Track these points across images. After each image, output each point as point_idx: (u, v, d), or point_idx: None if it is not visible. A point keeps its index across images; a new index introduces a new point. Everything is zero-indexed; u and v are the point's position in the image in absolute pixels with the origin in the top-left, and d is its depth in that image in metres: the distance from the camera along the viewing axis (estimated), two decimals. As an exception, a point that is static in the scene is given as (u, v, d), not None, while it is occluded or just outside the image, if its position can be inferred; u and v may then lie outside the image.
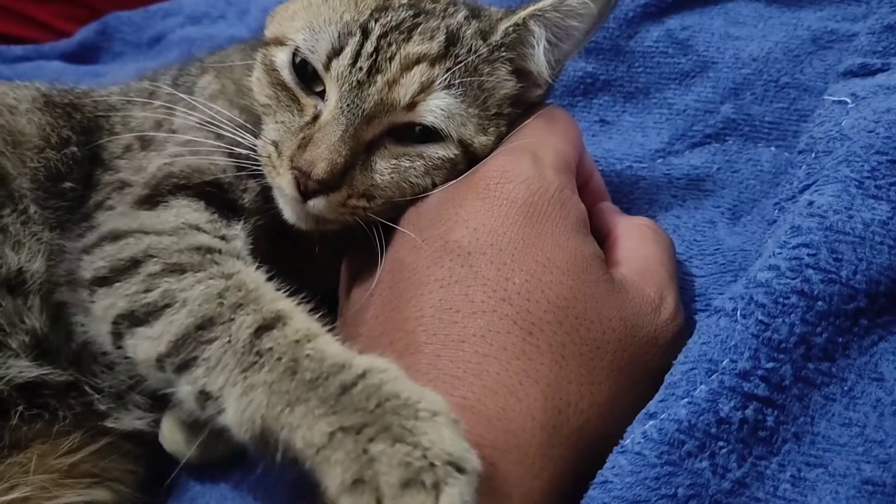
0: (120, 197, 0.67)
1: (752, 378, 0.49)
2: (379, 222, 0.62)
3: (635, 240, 0.65)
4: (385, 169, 0.62)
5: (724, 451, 0.48)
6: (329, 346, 0.51)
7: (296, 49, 0.63)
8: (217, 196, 0.65)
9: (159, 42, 1.25)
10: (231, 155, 0.66)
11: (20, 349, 0.63)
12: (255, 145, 0.64)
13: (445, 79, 0.61)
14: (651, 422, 0.50)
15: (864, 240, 0.52)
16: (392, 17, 0.63)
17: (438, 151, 0.63)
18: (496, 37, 0.65)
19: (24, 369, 0.63)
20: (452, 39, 0.63)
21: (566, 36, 0.65)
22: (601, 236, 0.65)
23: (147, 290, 0.58)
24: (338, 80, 0.60)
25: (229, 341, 0.53)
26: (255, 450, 0.51)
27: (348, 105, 0.60)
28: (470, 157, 0.64)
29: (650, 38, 0.86)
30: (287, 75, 0.64)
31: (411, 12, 0.63)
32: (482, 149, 0.64)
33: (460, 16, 0.66)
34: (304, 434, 0.47)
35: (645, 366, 0.57)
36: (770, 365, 0.50)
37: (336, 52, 0.61)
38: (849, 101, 0.65)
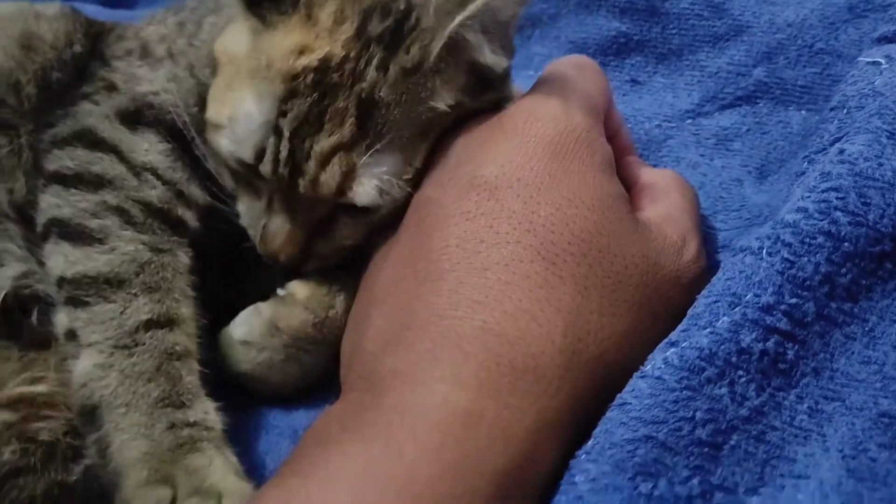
0: (107, 98, 0.68)
1: (774, 312, 0.50)
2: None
3: (659, 188, 0.66)
4: (345, 235, 0.63)
5: (744, 380, 0.49)
6: (186, 373, 0.56)
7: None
8: (183, 143, 0.66)
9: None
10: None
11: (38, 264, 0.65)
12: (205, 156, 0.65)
13: (366, 161, 0.58)
14: (672, 349, 0.51)
15: (892, 186, 0.53)
16: (298, 107, 0.57)
17: (389, 207, 0.62)
18: (429, 63, 0.59)
19: (44, 279, 0.64)
20: (367, 109, 0.57)
21: (502, 23, 0.60)
22: (626, 186, 0.66)
23: (94, 215, 0.60)
24: (269, 183, 0.60)
25: (122, 313, 0.57)
26: (76, 413, 0.56)
27: (286, 202, 0.60)
28: (421, 175, 0.62)
29: (686, 1, 0.86)
30: (234, 164, 0.62)
31: (315, 95, 0.57)
32: (422, 164, 0.63)
33: (372, 68, 0.58)
34: (124, 441, 0.53)
35: (666, 303, 0.58)
36: (793, 301, 0.50)
37: (259, 156, 0.58)
38: (882, 62, 0.66)
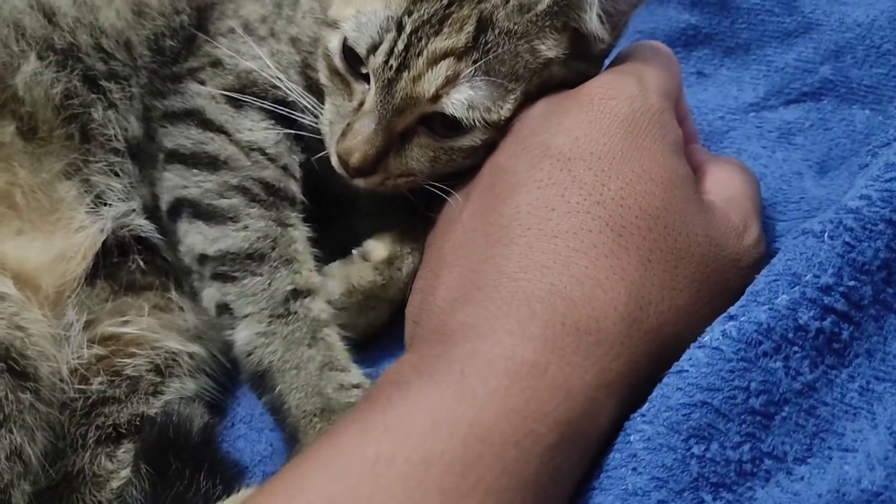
0: (213, 74, 0.73)
1: (833, 293, 0.52)
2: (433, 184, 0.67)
3: (723, 174, 0.67)
4: (419, 156, 0.65)
5: (798, 355, 0.51)
6: (337, 341, 0.63)
7: (345, 36, 0.66)
8: (285, 118, 0.71)
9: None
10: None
11: (140, 208, 0.71)
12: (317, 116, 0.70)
13: (470, 72, 0.61)
14: (731, 322, 0.53)
15: (955, 179, 0.54)
16: (425, 9, 0.61)
17: (465, 142, 0.65)
18: (541, 7, 0.63)
19: (143, 225, 0.70)
20: (483, 26, 0.62)
21: None
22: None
23: (220, 195, 0.66)
24: (374, 76, 0.63)
25: (269, 285, 0.63)
26: (247, 378, 0.63)
27: (381, 100, 0.63)
28: (501, 130, 0.65)
29: (757, -5, 0.88)
30: (338, 62, 0.67)
31: (444, 2, 0.62)
32: (508, 115, 0.65)
33: None
34: (301, 399, 0.59)
35: (725, 283, 0.59)
36: (852, 283, 0.52)
37: (374, 48, 0.62)
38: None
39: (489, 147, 0.65)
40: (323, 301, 0.64)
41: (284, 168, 0.70)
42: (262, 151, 0.70)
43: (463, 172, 0.67)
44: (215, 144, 0.69)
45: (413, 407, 0.47)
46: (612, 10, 0.64)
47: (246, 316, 0.62)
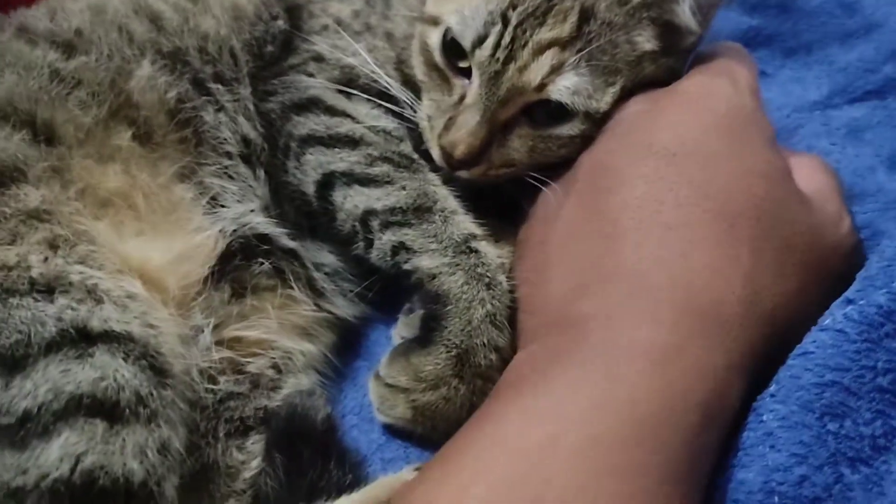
0: (319, 68, 0.76)
1: (946, 274, 0.55)
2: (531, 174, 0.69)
3: (808, 168, 0.69)
4: (520, 146, 0.68)
5: (919, 335, 0.53)
6: (506, 292, 0.65)
7: (446, 30, 0.68)
8: (390, 111, 0.74)
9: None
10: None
11: (258, 208, 0.73)
12: (414, 110, 0.73)
13: (574, 60, 0.64)
14: (850, 306, 0.55)
15: None
16: (529, 2, 0.64)
17: (566, 131, 0.67)
18: None
19: (262, 223, 0.72)
20: (586, 16, 0.65)
21: None
22: None
23: (369, 165, 0.69)
24: (479, 68, 0.66)
25: (445, 229, 0.66)
26: (424, 296, 0.66)
27: (486, 92, 0.65)
28: (598, 121, 0.67)
29: (818, -1, 0.91)
30: (438, 57, 0.70)
31: None
32: (607, 107, 0.67)
33: None
34: (456, 329, 0.63)
35: (828, 269, 0.61)
36: (964, 265, 0.55)
37: (480, 41, 0.65)
38: None
39: (585, 140, 0.68)
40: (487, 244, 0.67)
41: (405, 143, 0.74)
42: (386, 132, 0.73)
43: (558, 164, 0.69)
44: (346, 126, 0.72)
45: (565, 391, 0.49)
46: (704, 1, 0.66)
47: (429, 250, 0.65)
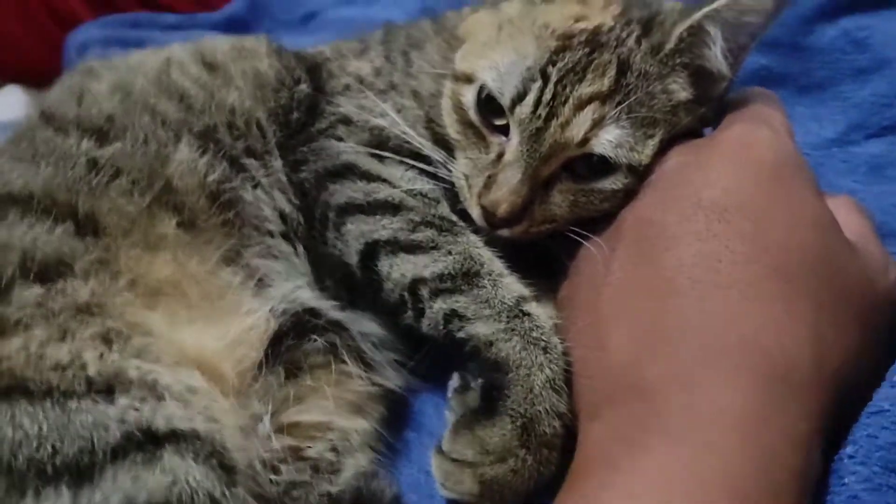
0: (347, 132, 0.76)
1: None
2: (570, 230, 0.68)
3: (845, 210, 0.69)
4: (561, 201, 0.68)
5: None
6: (562, 355, 0.64)
7: (481, 87, 0.68)
8: (424, 172, 0.74)
9: (313, 19, 1.31)
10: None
11: (304, 284, 0.72)
12: (448, 169, 0.72)
13: (615, 113, 0.65)
14: (916, 361, 0.56)
15: None
16: (569, 58, 0.65)
17: (608, 185, 0.67)
18: (670, 45, 0.67)
19: (309, 298, 0.71)
20: (623, 69, 0.65)
21: (742, 31, 0.66)
22: None
23: (412, 231, 0.68)
24: (519, 125, 0.66)
25: (496, 293, 0.65)
26: (481, 364, 0.64)
27: (527, 149, 0.65)
28: (639, 174, 0.68)
29: (827, 37, 0.92)
30: (473, 115, 0.70)
31: (587, 50, 0.66)
32: (648, 160, 0.67)
33: (632, 39, 0.67)
34: (519, 398, 0.61)
35: (882, 317, 0.61)
36: None
37: (520, 98, 0.65)
38: None
39: (628, 194, 0.68)
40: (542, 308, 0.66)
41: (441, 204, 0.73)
42: (423, 194, 0.72)
43: (599, 219, 0.69)
44: (385, 192, 0.71)
45: (662, 465, 0.49)
46: (734, 44, 0.67)
47: (484, 317, 0.64)
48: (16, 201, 0.63)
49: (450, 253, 0.67)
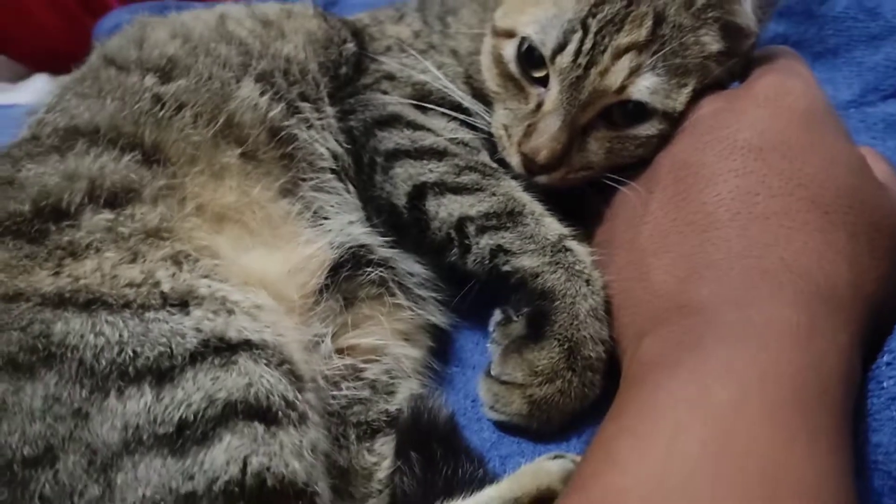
0: (392, 86, 0.80)
1: None
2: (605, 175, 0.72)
3: (871, 156, 0.72)
4: (599, 149, 0.71)
5: None
6: (602, 288, 0.68)
7: (522, 40, 0.72)
8: (464, 123, 0.78)
9: (335, 5, 1.36)
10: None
11: (357, 220, 0.75)
12: (488, 122, 0.76)
13: (651, 62, 0.68)
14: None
15: None
16: (607, 10, 0.68)
17: (644, 131, 0.71)
18: (702, 0, 0.71)
19: (362, 234, 0.74)
20: (659, 20, 0.69)
21: None
22: None
23: (457, 175, 0.72)
24: (559, 74, 0.69)
25: (539, 230, 0.69)
26: (528, 295, 0.68)
27: (567, 97, 0.69)
28: (673, 121, 0.71)
29: (840, 6, 0.97)
30: (514, 68, 0.73)
31: (625, 2, 0.69)
32: (682, 107, 0.71)
33: None
34: (564, 325, 0.65)
35: None
36: None
37: (561, 48, 0.69)
38: None
39: (662, 139, 0.71)
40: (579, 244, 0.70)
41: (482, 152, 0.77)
42: (465, 143, 0.76)
43: (633, 165, 0.72)
44: (430, 139, 0.75)
45: (727, 363, 0.51)
46: (762, 1, 0.71)
47: (528, 251, 0.68)
48: (82, 133, 0.66)
49: (494, 194, 0.71)
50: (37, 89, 1.49)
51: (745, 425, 0.47)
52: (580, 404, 0.66)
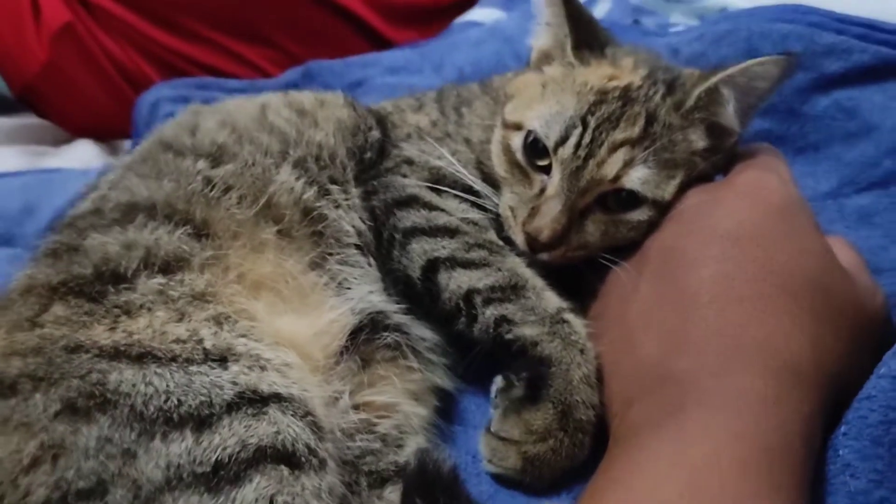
0: (410, 170, 0.89)
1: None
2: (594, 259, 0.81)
3: (839, 246, 0.78)
4: (595, 231, 0.80)
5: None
6: (595, 359, 0.75)
7: (528, 132, 0.82)
8: (475, 204, 0.87)
9: (360, 86, 1.46)
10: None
11: (376, 290, 0.84)
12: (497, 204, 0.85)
13: (643, 156, 0.77)
14: (896, 360, 0.66)
15: None
16: (605, 109, 0.78)
17: (635, 216, 0.79)
18: (690, 102, 0.80)
19: (380, 302, 0.82)
20: (650, 120, 0.78)
21: (752, 94, 0.79)
22: None
23: (467, 251, 0.81)
24: (561, 164, 0.78)
25: (540, 302, 0.77)
26: (527, 361, 0.75)
27: (567, 184, 0.77)
28: (662, 209, 0.79)
29: (820, 105, 1.06)
30: (521, 157, 0.83)
31: (620, 103, 0.78)
32: (670, 197, 0.79)
33: (658, 96, 0.80)
34: (559, 391, 0.72)
35: (870, 335, 0.71)
36: None
37: (563, 140, 0.78)
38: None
39: (651, 225, 0.79)
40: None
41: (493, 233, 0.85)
42: (474, 222, 0.85)
43: (625, 247, 0.80)
44: (444, 219, 0.84)
45: (704, 425, 0.58)
46: (745, 104, 0.80)
47: (528, 322, 0.76)
48: (141, 209, 0.76)
49: (499, 269, 0.79)
50: (79, 154, 1.60)
51: (717, 479, 0.54)
52: (570, 463, 0.72)
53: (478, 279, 0.79)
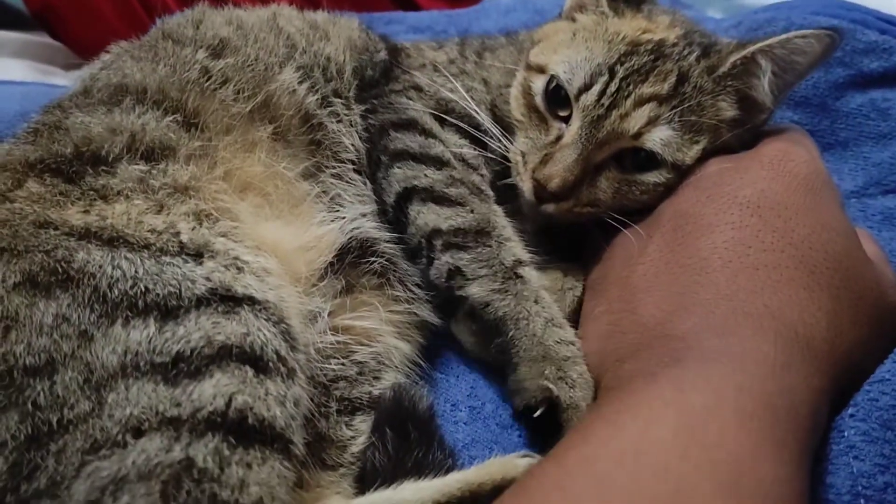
0: (418, 96, 0.85)
1: None
2: (603, 219, 0.76)
3: (863, 236, 0.75)
4: (607, 188, 0.76)
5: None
6: (553, 303, 0.73)
7: (552, 78, 0.78)
8: (477, 141, 0.82)
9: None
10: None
11: (370, 213, 0.79)
12: (506, 148, 0.80)
13: (669, 115, 0.73)
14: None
15: None
16: (635, 61, 0.74)
17: (651, 178, 0.75)
18: (724, 68, 0.76)
19: (373, 226, 0.78)
20: (682, 79, 0.75)
21: (790, 69, 0.75)
22: None
23: (447, 185, 0.77)
24: (583, 111, 0.74)
25: (498, 254, 0.73)
26: (484, 325, 0.72)
27: (586, 133, 0.73)
28: (681, 174, 0.76)
29: (854, 102, 1.02)
30: (540, 101, 0.79)
31: (652, 57, 0.75)
32: (691, 162, 0.75)
33: (692, 57, 0.76)
34: (528, 345, 0.69)
35: (890, 324, 0.67)
36: None
37: (587, 87, 0.75)
38: None
39: (667, 189, 0.75)
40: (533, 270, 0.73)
41: (482, 176, 0.81)
42: (466, 161, 0.80)
43: (636, 211, 0.76)
44: (438, 148, 0.80)
45: (705, 377, 0.54)
46: (781, 80, 0.76)
47: (480, 277, 0.71)
48: (131, 92, 0.71)
49: (472, 212, 0.75)
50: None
51: (717, 425, 0.50)
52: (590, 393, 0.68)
53: (445, 218, 0.75)
